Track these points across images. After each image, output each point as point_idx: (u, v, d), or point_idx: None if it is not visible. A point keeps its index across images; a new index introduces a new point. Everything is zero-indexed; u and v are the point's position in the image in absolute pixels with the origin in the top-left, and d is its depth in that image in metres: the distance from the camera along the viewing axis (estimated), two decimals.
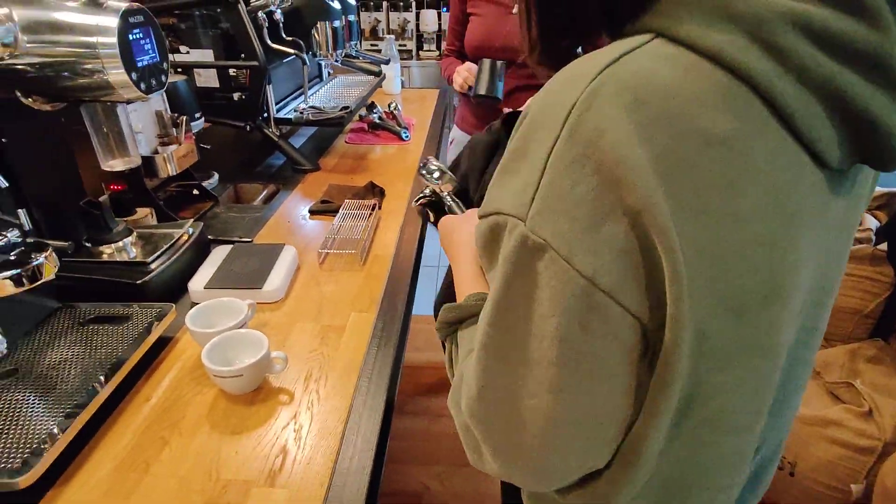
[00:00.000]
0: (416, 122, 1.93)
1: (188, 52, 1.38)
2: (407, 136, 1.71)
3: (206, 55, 1.38)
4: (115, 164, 0.86)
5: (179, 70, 1.34)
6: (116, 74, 0.71)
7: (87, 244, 0.88)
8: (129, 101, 0.80)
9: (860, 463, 1.23)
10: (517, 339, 0.36)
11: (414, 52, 3.31)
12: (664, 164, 0.31)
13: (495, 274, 0.37)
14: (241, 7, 1.28)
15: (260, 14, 1.34)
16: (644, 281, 0.33)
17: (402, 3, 3.25)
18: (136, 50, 0.73)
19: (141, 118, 1.00)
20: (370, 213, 1.17)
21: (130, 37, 0.72)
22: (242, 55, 1.34)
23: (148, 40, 0.76)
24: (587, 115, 0.32)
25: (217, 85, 1.43)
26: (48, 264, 0.59)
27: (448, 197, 0.88)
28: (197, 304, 0.85)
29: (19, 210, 0.71)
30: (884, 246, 1.42)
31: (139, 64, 0.74)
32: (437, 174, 0.89)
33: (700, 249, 0.32)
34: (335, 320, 0.86)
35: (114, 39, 0.69)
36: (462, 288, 0.59)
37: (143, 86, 0.75)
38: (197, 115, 1.25)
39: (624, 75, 0.32)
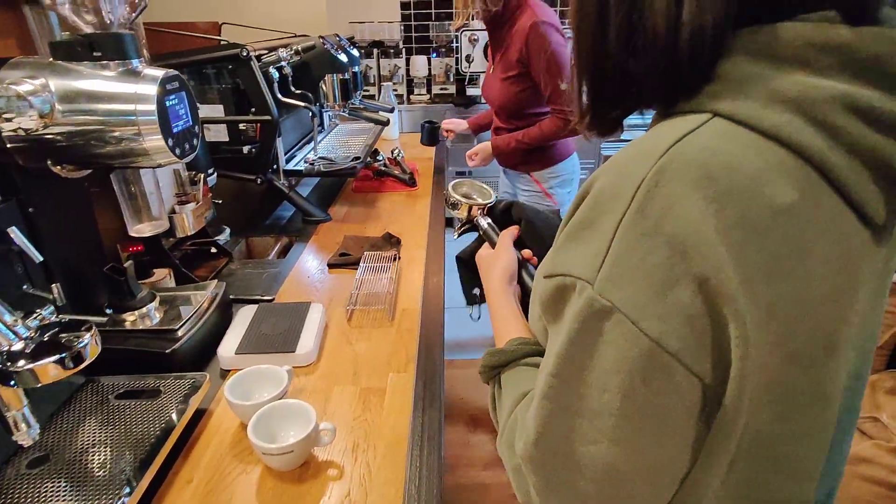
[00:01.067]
0: (418, 166, 1.94)
1: (199, 108, 1.37)
2: (413, 182, 1.71)
3: (217, 110, 1.37)
4: (143, 229, 0.84)
5: None
6: (153, 141, 0.70)
7: (110, 311, 0.84)
8: (160, 166, 0.78)
9: None
10: (579, 390, 0.38)
11: (405, 97, 3.37)
12: (736, 234, 0.33)
13: (560, 329, 0.40)
14: (254, 63, 1.29)
15: (271, 69, 1.35)
16: (709, 344, 0.35)
17: (392, 50, 3.32)
18: (171, 116, 0.72)
19: (161, 179, 0.98)
20: (391, 265, 1.15)
21: (167, 103, 0.71)
22: (253, 109, 1.34)
23: (182, 105, 0.75)
24: (655, 191, 0.34)
25: (226, 139, 1.42)
26: (93, 345, 0.55)
27: (482, 221, 0.81)
28: (227, 370, 0.81)
29: (53, 285, 0.68)
30: (894, 277, 1.45)
31: (174, 129, 0.73)
32: (463, 200, 0.82)
33: (772, 310, 0.34)
34: (374, 381, 0.83)
35: (153, 107, 0.68)
36: (502, 331, 0.63)
37: (178, 151, 0.73)
38: (210, 170, 1.23)
39: (690, 153, 0.35)
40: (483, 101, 1.95)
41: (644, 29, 0.37)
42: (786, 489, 0.42)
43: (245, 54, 1.27)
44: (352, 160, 1.45)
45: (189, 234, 1.04)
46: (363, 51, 3.32)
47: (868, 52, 0.34)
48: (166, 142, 0.71)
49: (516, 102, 1.60)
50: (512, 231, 0.77)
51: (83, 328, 0.57)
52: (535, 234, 0.77)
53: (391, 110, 1.76)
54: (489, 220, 0.81)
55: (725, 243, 0.33)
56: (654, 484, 0.39)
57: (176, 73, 0.74)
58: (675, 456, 0.38)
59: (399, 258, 1.21)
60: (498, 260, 0.73)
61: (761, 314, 0.34)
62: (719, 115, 0.36)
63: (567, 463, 0.40)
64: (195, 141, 0.79)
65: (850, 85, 0.34)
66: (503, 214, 0.82)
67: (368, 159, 1.80)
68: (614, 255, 0.35)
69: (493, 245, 0.77)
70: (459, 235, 0.85)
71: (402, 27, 3.43)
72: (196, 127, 0.79)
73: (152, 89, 0.69)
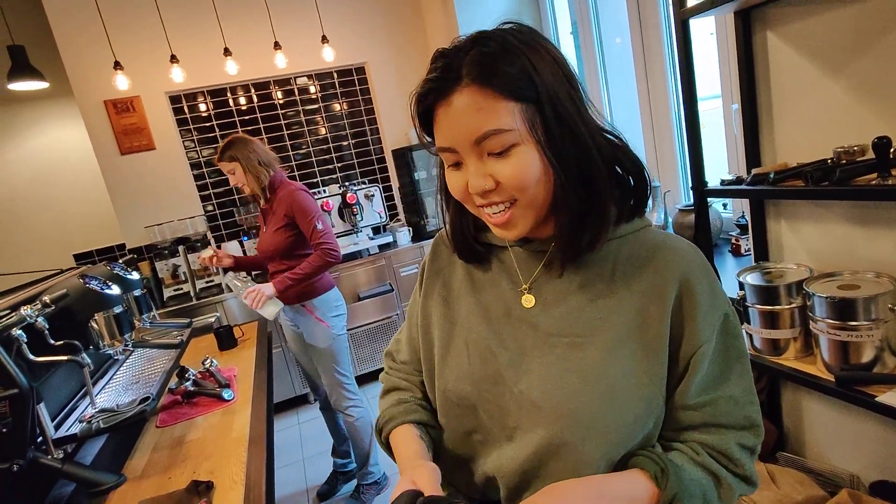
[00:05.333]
0: (238, 370, 1.78)
1: None
2: (230, 395, 1.55)
3: None
4: None
5: None
6: None
7: None
8: None
9: None
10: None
11: (224, 286, 3.22)
12: None
13: (735, 352, 0.64)
14: None
15: (14, 332, 1.16)
16: None
17: (199, 244, 3.21)
18: None
19: None
20: None
21: None
22: None
23: None
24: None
25: None
26: None
27: None
28: None
29: None
30: None
31: None
32: None
33: None
34: None
35: None
36: (650, 496, 0.59)
37: None
38: None
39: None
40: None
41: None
42: None
43: None
44: (140, 403, 1.26)
45: None
46: (167, 251, 3.16)
47: None
48: None
49: (287, 244, 2.14)
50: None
51: None
52: None
53: (189, 325, 1.62)
54: None
55: None
56: None
57: None
58: None
59: None
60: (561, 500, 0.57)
61: None
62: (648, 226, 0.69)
63: None
64: None
65: None
66: None
67: (173, 383, 1.60)
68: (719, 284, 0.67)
69: None
70: None
71: (207, 218, 3.37)
72: None
73: None
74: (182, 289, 3.18)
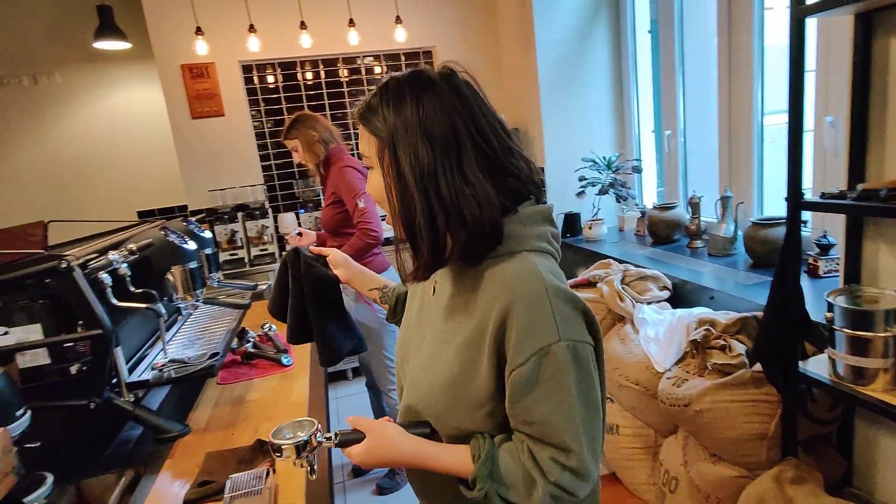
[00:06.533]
0: None
1: (6, 333, 1.15)
2: (289, 361, 1.56)
3: (32, 331, 1.16)
4: None
5: None
6: None
7: None
8: None
9: None
10: (594, 399, 0.72)
11: (277, 255, 3.28)
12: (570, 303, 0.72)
13: (554, 383, 0.69)
14: (78, 273, 1.13)
15: (101, 275, 1.19)
16: None
17: (257, 212, 3.28)
18: None
19: None
20: (264, 485, 0.97)
21: None
22: (81, 322, 1.16)
23: None
24: (554, 290, 0.70)
25: (48, 361, 1.19)
26: None
27: (322, 440, 0.77)
28: None
29: None
30: (758, 367, 1.55)
31: None
32: (289, 442, 0.76)
33: None
34: None
35: None
36: (448, 458, 0.76)
37: None
38: (19, 412, 1.00)
39: (548, 272, 0.73)
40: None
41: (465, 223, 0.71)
42: None
43: (65, 266, 1.12)
44: (209, 357, 1.28)
45: None
46: (226, 216, 3.24)
47: (550, 213, 0.80)
48: None
49: (335, 222, 2.19)
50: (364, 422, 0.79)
51: None
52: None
53: (254, 287, 1.65)
54: (329, 434, 0.79)
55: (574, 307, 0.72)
56: None
57: None
58: None
59: (274, 471, 1.03)
60: (383, 440, 0.77)
61: None
62: (526, 251, 0.74)
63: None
64: None
65: (550, 226, 0.79)
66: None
67: (235, 343, 1.63)
68: (560, 321, 0.69)
69: (358, 440, 0.78)
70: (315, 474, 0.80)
71: (266, 188, 3.44)
72: None
73: None
74: (237, 254, 3.26)
